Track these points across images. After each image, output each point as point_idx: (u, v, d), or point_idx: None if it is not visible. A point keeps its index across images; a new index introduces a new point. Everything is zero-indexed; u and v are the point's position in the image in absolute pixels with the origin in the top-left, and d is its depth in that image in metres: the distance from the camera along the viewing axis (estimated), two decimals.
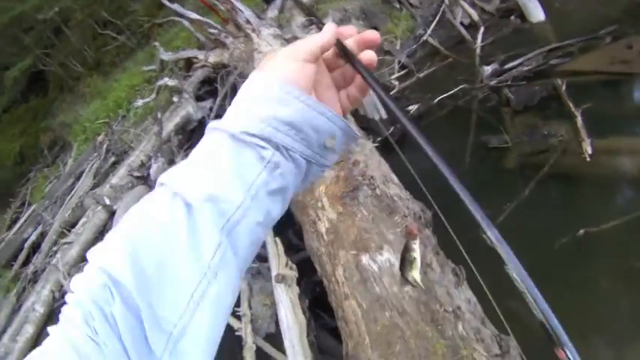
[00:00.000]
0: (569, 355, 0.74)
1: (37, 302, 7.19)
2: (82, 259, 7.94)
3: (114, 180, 8.34)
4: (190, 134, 9.11)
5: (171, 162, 7.05)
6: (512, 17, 7.57)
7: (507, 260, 0.84)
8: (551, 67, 6.52)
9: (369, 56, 0.97)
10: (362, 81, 1.00)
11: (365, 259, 3.60)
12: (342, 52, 0.96)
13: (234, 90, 8.53)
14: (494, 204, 5.16)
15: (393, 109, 0.97)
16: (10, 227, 13.24)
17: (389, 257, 3.54)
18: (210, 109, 8.86)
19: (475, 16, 7.74)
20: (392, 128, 6.72)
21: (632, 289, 4.26)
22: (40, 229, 10.77)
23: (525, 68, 6.58)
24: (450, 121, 6.70)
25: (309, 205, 4.52)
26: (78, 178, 10.58)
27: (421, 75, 7.60)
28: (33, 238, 10.81)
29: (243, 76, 7.92)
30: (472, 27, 7.76)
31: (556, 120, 5.74)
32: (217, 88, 9.04)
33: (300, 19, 8.63)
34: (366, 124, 6.82)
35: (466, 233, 4.68)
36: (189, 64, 10.47)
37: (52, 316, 7.49)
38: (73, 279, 0.77)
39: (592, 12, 6.94)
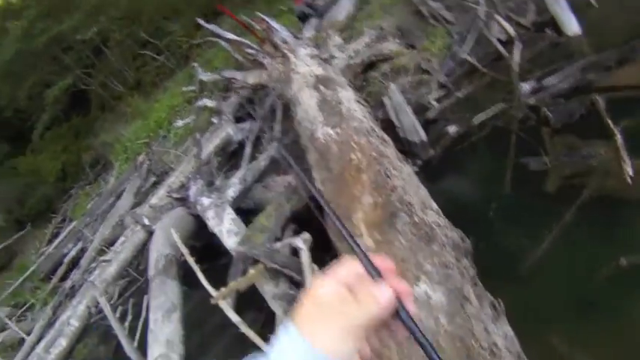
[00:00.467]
0: None
1: (72, 317, 7.26)
2: (119, 277, 8.08)
3: (153, 200, 8.45)
4: (230, 156, 9.20)
5: (210, 184, 7.08)
6: (548, 31, 7.40)
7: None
8: (589, 82, 6.32)
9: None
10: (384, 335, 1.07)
11: None
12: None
13: (272, 112, 8.63)
14: (536, 230, 5.02)
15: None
16: (50, 242, 13.54)
17: (426, 289, 3.42)
18: (250, 130, 8.91)
19: (511, 30, 7.58)
20: (432, 151, 6.70)
21: None
22: (79, 245, 11.01)
23: (563, 85, 6.41)
24: (490, 142, 6.51)
25: None
26: (119, 196, 10.76)
27: (460, 94, 7.48)
28: (72, 253, 11.05)
29: (282, 98, 8.01)
30: (509, 42, 7.57)
31: (596, 139, 5.52)
32: (256, 109, 9.12)
33: (336, 38, 8.65)
34: (406, 147, 6.75)
35: (504, 263, 4.61)
36: (228, 84, 10.59)
37: (86, 331, 7.58)
38: None
39: (629, 22, 6.77)
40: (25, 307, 11.04)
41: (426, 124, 7.06)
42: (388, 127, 6.07)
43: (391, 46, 8.63)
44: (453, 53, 8.04)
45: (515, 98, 6.61)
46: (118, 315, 6.49)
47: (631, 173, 4.94)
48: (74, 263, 10.63)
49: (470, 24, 8.19)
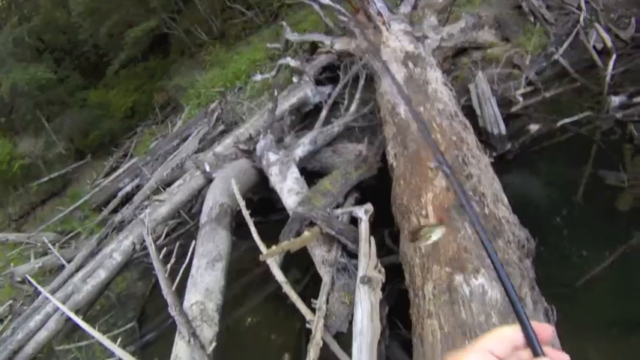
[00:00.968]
0: None
1: (116, 250, 7.38)
2: (170, 218, 8.19)
3: (218, 148, 8.50)
4: (304, 117, 9.25)
5: (279, 140, 7.11)
6: None
7: None
8: None
9: None
10: None
11: (458, 279, 3.47)
12: None
13: (356, 80, 8.61)
14: (599, 245, 5.00)
15: None
16: (107, 174, 13.89)
17: (483, 283, 3.37)
18: (329, 95, 8.91)
19: (609, 42, 7.46)
20: (509, 145, 6.64)
21: None
22: (136, 181, 11.24)
23: None
24: (570, 148, 6.51)
25: (412, 211, 4.43)
26: (184, 140, 10.89)
27: (547, 95, 7.45)
28: (128, 189, 11.31)
29: (367, 68, 8.04)
30: (604, 53, 7.48)
31: None
32: (339, 76, 9.09)
33: (432, 19, 8.56)
34: (483, 137, 6.75)
35: (561, 272, 4.57)
36: (313, 47, 10.64)
37: (127, 266, 7.73)
38: None
39: None
40: (70, 235, 11.37)
41: (508, 118, 7.10)
42: (468, 114, 6.02)
43: (486, 35, 8.61)
44: (548, 53, 7.98)
45: (604, 109, 6.59)
46: (161, 255, 6.58)
47: None
48: (127, 198, 10.88)
49: (569, 28, 8.14)
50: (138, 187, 10.82)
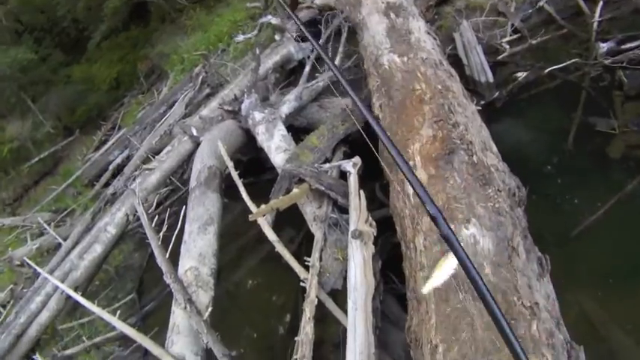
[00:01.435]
0: None
1: (110, 224, 7.39)
2: (161, 186, 8.20)
3: (205, 111, 8.44)
4: (289, 74, 9.23)
5: (264, 99, 7.05)
6: None
7: None
8: None
9: None
10: None
11: None
12: None
13: (338, 33, 8.59)
14: (591, 193, 5.07)
15: None
16: (97, 148, 13.83)
17: (474, 233, 3.40)
18: (312, 50, 8.87)
19: None
20: (497, 93, 6.68)
21: None
22: (126, 152, 11.19)
23: None
24: (558, 95, 6.55)
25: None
26: (170, 106, 10.80)
27: (534, 42, 7.41)
28: (118, 160, 11.27)
29: (349, 21, 8.02)
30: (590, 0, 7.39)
31: None
32: (321, 30, 9.04)
33: None
34: (472, 86, 6.80)
35: (554, 221, 4.64)
36: (294, 3, 10.47)
37: (123, 238, 7.76)
38: None
39: None
40: (65, 213, 11.36)
41: (495, 66, 7.14)
42: (454, 63, 6.06)
43: None
44: (533, 0, 7.93)
45: (592, 56, 6.60)
46: (154, 224, 6.58)
47: None
48: (118, 170, 10.85)
49: None
50: (128, 158, 10.77)
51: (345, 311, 4.12)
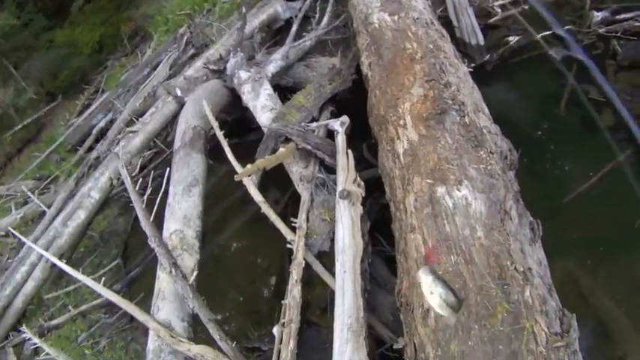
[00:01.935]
0: None
1: (93, 189, 7.31)
2: (145, 149, 8.10)
3: (189, 72, 8.38)
4: (275, 33, 9.15)
5: (250, 58, 6.98)
6: None
7: None
8: None
9: None
10: None
11: (440, 191, 3.46)
12: None
13: None
14: (582, 161, 5.14)
15: None
16: (80, 113, 13.68)
17: (466, 195, 3.37)
18: (300, 9, 8.79)
19: None
20: (487, 56, 6.68)
21: None
22: (109, 116, 11.07)
23: (638, 23, 6.24)
24: (551, 61, 6.46)
25: (389, 121, 4.39)
26: (154, 68, 10.69)
27: (527, 7, 7.30)
28: (102, 124, 11.15)
29: None
30: None
31: None
32: None
33: None
34: (463, 49, 6.71)
35: (545, 187, 4.66)
36: None
37: (106, 203, 7.69)
38: None
39: None
40: (49, 180, 11.26)
41: (486, 29, 7.10)
42: (444, 25, 6.04)
43: None
44: None
45: (585, 24, 6.57)
46: (138, 187, 6.52)
47: None
48: (102, 134, 10.73)
49: None
50: (112, 122, 10.63)
51: (333, 274, 4.08)
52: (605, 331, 4.15)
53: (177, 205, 5.50)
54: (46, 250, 6.82)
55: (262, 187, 5.14)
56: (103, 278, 5.78)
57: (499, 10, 7.36)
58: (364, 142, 5.51)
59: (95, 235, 8.59)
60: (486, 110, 4.36)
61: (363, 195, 4.42)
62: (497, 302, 2.79)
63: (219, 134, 5.60)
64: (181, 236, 5.16)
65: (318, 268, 4.48)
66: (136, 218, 6.57)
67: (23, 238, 7.17)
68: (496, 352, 2.65)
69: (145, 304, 5.02)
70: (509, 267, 2.94)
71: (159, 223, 5.40)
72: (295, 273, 4.31)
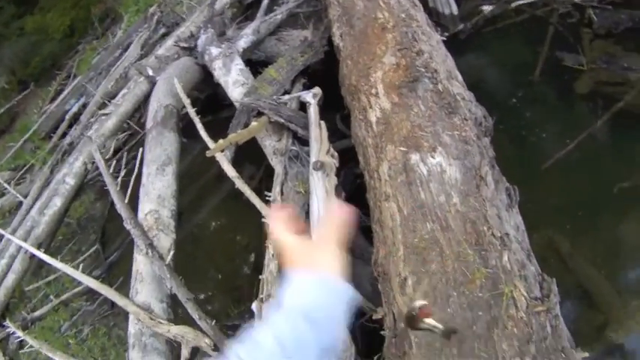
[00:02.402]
0: None
1: (68, 174, 7.22)
2: (118, 131, 8.04)
3: (160, 51, 8.28)
4: (246, 9, 9.02)
5: (221, 34, 6.93)
6: None
7: None
8: None
9: None
10: None
11: (414, 158, 3.47)
12: None
13: None
14: (558, 128, 5.22)
15: None
16: (53, 100, 13.55)
17: (441, 161, 3.38)
18: None
19: None
20: (461, 25, 6.67)
21: None
22: (82, 100, 10.95)
23: None
24: (525, 30, 6.56)
25: (361, 90, 4.41)
26: (126, 49, 10.61)
27: None
28: (75, 109, 11.01)
29: None
30: None
31: (638, 54, 5.57)
32: None
33: None
34: (436, 18, 6.66)
35: (521, 154, 4.71)
36: None
37: (82, 189, 7.63)
38: None
39: None
40: (24, 169, 11.17)
41: None
42: None
43: None
44: None
45: None
46: (112, 169, 6.49)
47: None
48: (75, 120, 10.62)
49: None
50: (84, 106, 10.51)
51: None
52: (586, 295, 4.20)
53: (151, 185, 5.47)
54: (25, 240, 6.74)
55: (236, 163, 5.13)
56: (82, 265, 5.78)
57: None
58: (337, 113, 5.53)
59: (72, 222, 8.56)
60: (460, 78, 4.37)
61: (337, 166, 4.43)
62: (475, 268, 2.81)
63: (192, 111, 5.57)
64: (156, 216, 5.14)
65: None
66: (113, 203, 6.53)
67: (1, 230, 7.13)
68: (476, 319, 2.67)
69: (125, 288, 5.03)
70: (486, 233, 2.96)
71: (134, 204, 5.39)
72: (272, 247, 4.31)
